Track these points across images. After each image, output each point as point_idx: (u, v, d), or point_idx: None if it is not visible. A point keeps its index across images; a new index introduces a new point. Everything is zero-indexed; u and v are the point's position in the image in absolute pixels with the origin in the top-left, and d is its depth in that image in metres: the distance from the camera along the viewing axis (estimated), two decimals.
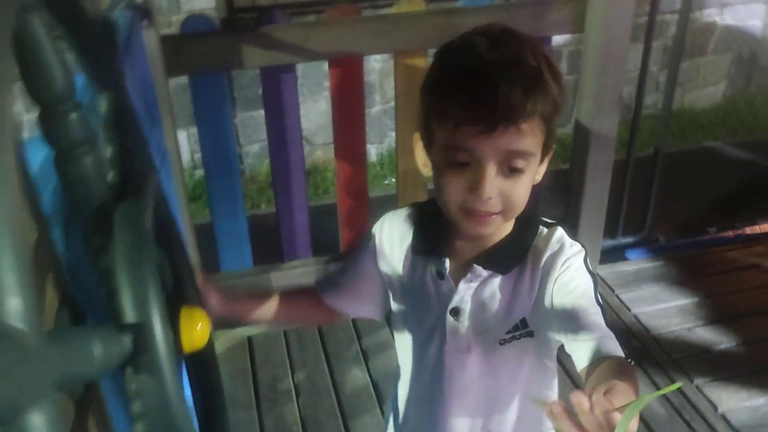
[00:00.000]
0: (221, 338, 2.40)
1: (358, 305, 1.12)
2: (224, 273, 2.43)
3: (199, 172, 4.26)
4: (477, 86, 0.83)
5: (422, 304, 1.03)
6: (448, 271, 0.99)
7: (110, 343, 0.49)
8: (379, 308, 1.12)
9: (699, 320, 2.45)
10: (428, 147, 0.94)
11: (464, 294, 0.98)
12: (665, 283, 2.63)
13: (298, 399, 2.17)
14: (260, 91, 2.33)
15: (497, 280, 0.98)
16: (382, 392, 2.17)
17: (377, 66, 4.56)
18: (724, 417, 2.05)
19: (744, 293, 2.58)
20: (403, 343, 1.11)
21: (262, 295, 1.10)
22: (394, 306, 1.09)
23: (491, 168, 0.86)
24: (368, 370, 2.27)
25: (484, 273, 0.97)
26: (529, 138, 0.85)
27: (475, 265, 0.97)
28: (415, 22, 2.21)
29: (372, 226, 1.10)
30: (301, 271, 2.46)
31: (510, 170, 0.87)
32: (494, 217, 0.91)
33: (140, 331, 0.52)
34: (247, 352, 2.36)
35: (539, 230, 0.99)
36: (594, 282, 0.99)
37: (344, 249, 2.57)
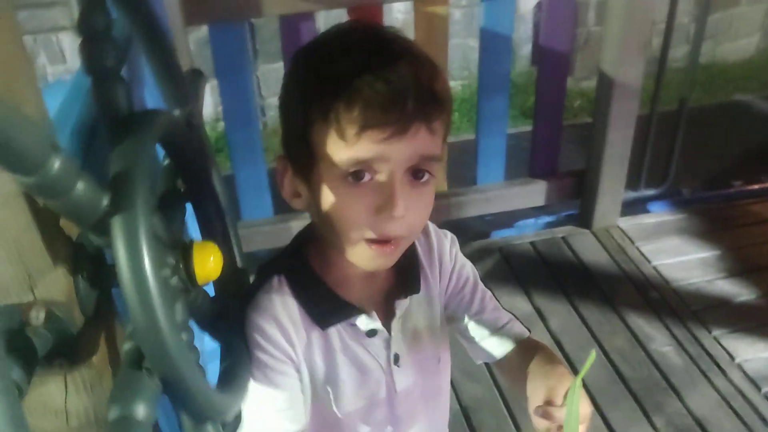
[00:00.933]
0: None
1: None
2: (245, 222, 2.47)
3: (222, 125, 4.29)
4: (379, 77, 0.68)
5: (357, 374, 0.86)
6: (375, 317, 0.84)
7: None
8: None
9: (720, 273, 2.43)
10: (304, 170, 0.76)
11: (397, 335, 0.87)
12: (687, 235, 2.61)
13: None
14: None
15: (415, 300, 0.88)
16: None
17: (400, 17, 4.50)
18: (740, 367, 2.06)
19: (766, 246, 2.55)
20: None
21: None
22: (324, 397, 0.86)
23: (401, 179, 0.72)
24: None
25: (407, 302, 0.87)
26: (437, 139, 0.73)
27: (397, 301, 0.86)
28: None
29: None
30: None
31: (417, 180, 0.73)
32: (402, 242, 0.77)
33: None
34: None
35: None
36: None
37: None
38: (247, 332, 0.80)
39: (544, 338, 2.20)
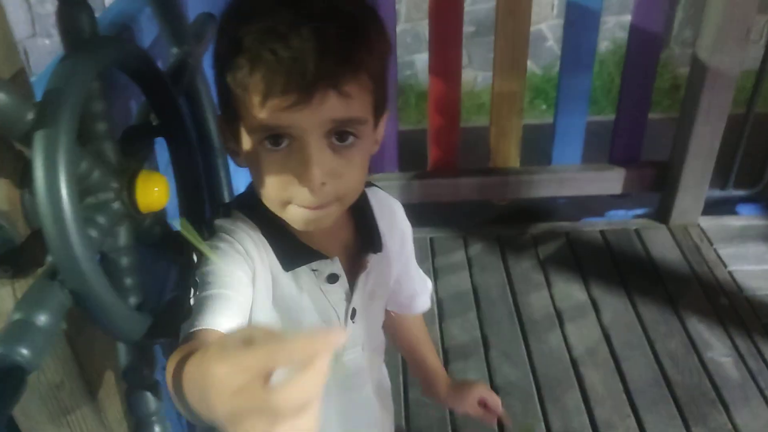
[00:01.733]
0: None
1: None
2: None
3: None
4: (281, 42, 0.64)
5: (313, 315, 0.84)
6: (339, 267, 0.83)
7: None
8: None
9: None
10: (233, 129, 0.74)
11: (358, 291, 0.85)
12: None
13: None
14: None
15: (375, 258, 0.87)
16: (445, 311, 2.19)
17: None
18: None
19: None
20: None
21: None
22: None
23: (316, 145, 0.68)
24: (436, 286, 2.29)
25: (373, 257, 0.86)
26: (357, 102, 0.68)
27: (365, 257, 0.85)
28: None
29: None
30: (386, 184, 2.48)
31: (339, 144, 0.70)
32: (331, 207, 0.74)
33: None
34: None
35: (367, 190, 0.89)
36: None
37: (431, 167, 2.56)
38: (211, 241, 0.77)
39: (593, 330, 2.12)
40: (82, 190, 0.67)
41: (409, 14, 4.39)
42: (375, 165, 2.51)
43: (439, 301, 2.23)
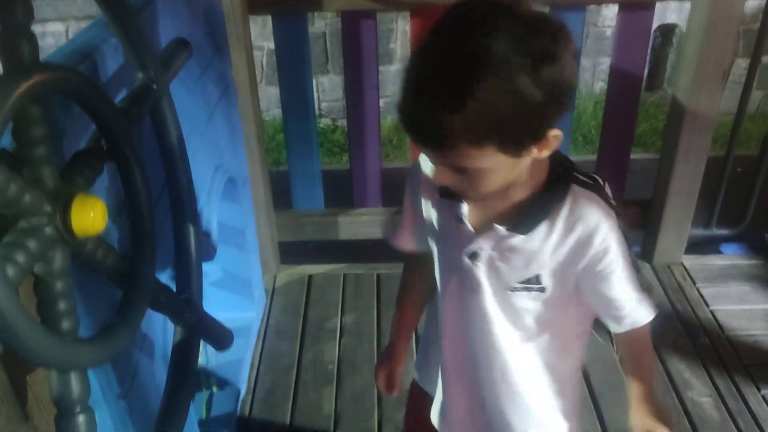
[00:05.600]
0: (283, 273, 2.51)
1: (415, 240, 1.15)
2: (296, 211, 2.52)
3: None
4: (403, 98, 0.80)
5: (447, 242, 1.04)
6: (465, 217, 0.98)
7: None
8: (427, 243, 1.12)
9: None
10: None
11: (483, 244, 0.98)
12: (757, 283, 2.41)
13: (340, 339, 2.23)
14: None
15: (519, 237, 0.96)
16: None
17: None
18: None
19: None
20: (435, 279, 1.12)
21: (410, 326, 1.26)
22: (430, 242, 1.10)
23: (439, 164, 0.86)
24: None
25: (504, 232, 0.96)
26: (464, 158, 0.82)
27: (495, 225, 0.95)
28: None
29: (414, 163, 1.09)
30: (368, 219, 2.50)
31: (461, 172, 0.85)
32: (463, 194, 0.94)
33: None
34: (305, 288, 2.45)
35: (570, 191, 0.93)
36: (624, 245, 0.98)
37: None
38: None
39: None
40: (12, 213, 0.67)
41: (405, 54, 4.46)
42: (359, 200, 2.53)
43: (418, 336, 2.22)
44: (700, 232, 2.55)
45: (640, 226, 2.53)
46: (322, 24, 4.56)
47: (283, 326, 2.28)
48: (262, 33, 4.04)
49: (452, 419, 1.20)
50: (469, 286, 1.02)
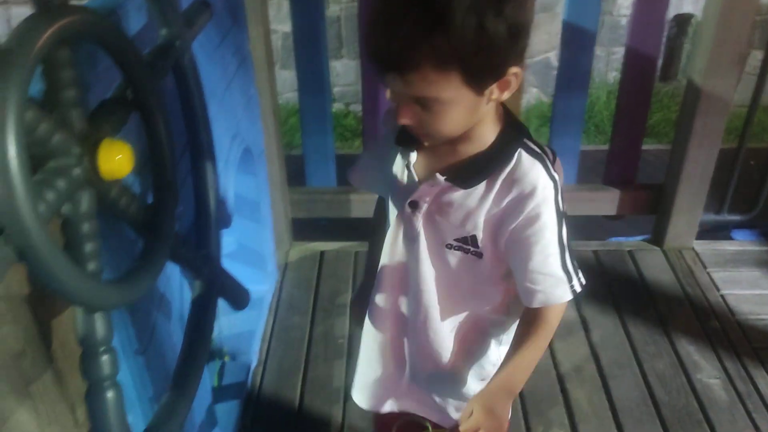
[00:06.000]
0: (296, 249, 2.52)
1: (370, 182, 1.18)
2: (309, 188, 2.54)
3: None
4: (370, 27, 0.83)
5: (395, 190, 1.06)
6: (412, 165, 1.01)
7: None
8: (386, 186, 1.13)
9: None
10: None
11: (424, 193, 1.00)
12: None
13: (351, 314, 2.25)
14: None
15: (458, 192, 0.98)
16: None
17: None
18: None
19: None
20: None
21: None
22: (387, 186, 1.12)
23: (402, 99, 0.87)
24: None
25: (443, 183, 0.98)
26: (427, 84, 0.83)
27: (437, 174, 0.97)
28: None
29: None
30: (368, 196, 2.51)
31: (423, 106, 0.86)
32: (423, 135, 0.94)
33: None
34: (317, 264, 2.47)
35: (518, 157, 0.95)
36: (560, 221, 0.98)
37: None
38: None
39: (581, 348, 2.12)
40: (42, 153, 0.69)
41: None
42: None
43: None
44: (712, 217, 2.55)
45: (651, 210, 2.54)
46: (336, 8, 4.56)
47: (295, 300, 2.30)
48: (276, 16, 4.04)
49: (375, 388, 1.24)
50: (409, 236, 1.05)
